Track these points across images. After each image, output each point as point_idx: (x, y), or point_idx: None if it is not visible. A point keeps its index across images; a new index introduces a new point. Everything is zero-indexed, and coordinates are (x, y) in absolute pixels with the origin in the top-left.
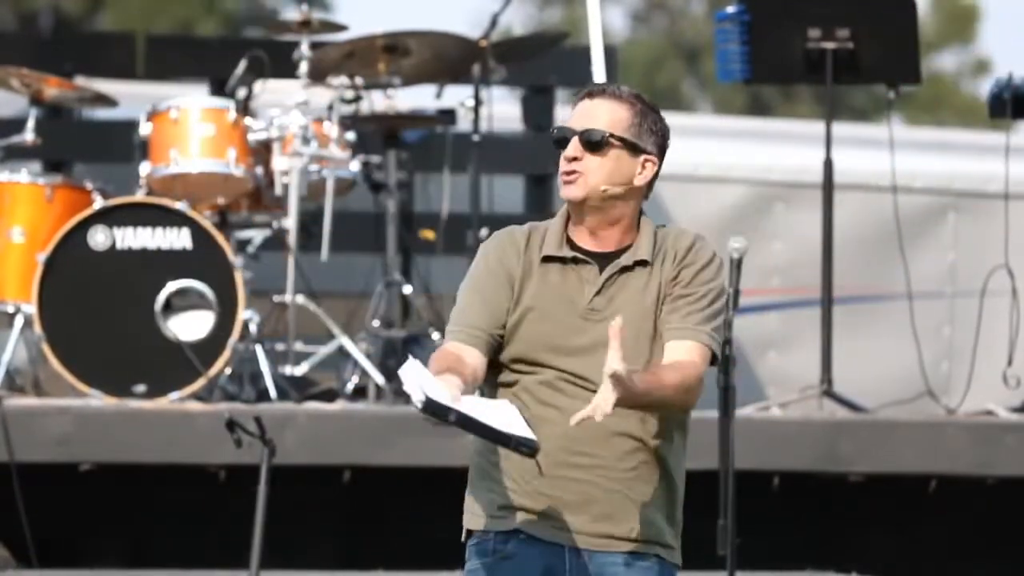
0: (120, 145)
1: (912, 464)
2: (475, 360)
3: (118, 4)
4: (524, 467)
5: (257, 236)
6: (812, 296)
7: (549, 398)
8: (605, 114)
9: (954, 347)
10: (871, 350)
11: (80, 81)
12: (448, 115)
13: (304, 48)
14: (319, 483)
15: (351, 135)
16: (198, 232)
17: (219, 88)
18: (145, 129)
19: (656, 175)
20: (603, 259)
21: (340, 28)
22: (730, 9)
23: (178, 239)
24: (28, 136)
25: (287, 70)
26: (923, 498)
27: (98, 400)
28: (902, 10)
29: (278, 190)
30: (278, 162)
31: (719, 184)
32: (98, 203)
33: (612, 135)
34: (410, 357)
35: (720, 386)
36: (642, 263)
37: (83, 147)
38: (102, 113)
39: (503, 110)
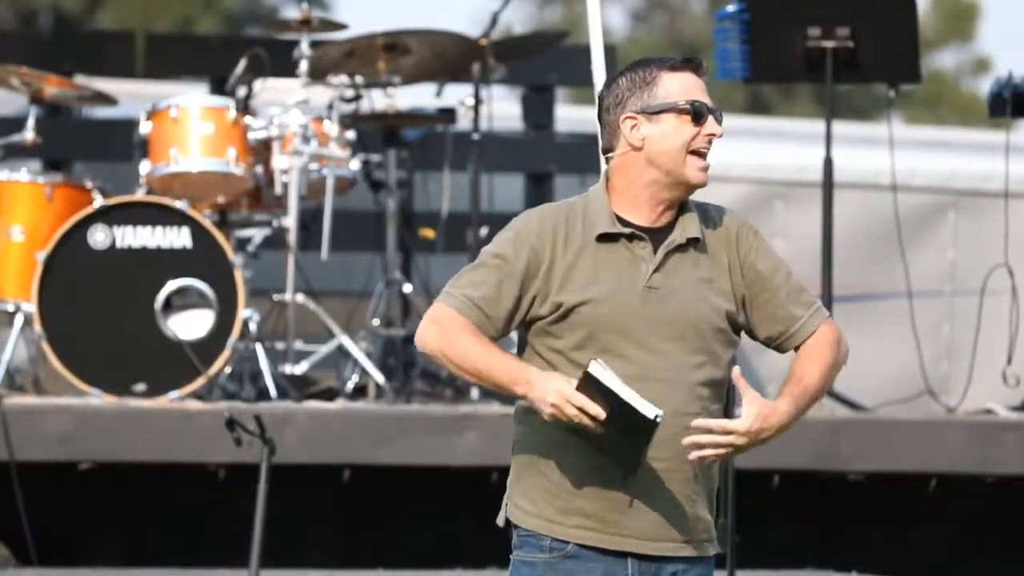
0: (120, 144)
1: (912, 463)
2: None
3: (118, 3)
4: (576, 468)
5: (257, 235)
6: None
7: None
8: (703, 87)
9: (954, 346)
10: (871, 349)
11: (80, 80)
12: (448, 114)
13: (304, 47)
14: (319, 482)
15: (351, 134)
16: (198, 231)
17: (219, 87)
18: (145, 128)
19: None
20: (654, 235)
21: (340, 27)
22: (730, 8)
23: (178, 238)
24: (28, 135)
25: (287, 69)
26: (923, 497)
27: (98, 399)
28: (902, 9)
29: (278, 189)
30: (278, 161)
31: (719, 183)
32: (98, 202)
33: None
34: (593, 363)
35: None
36: (694, 242)
37: (83, 146)
38: (102, 112)
39: (503, 109)
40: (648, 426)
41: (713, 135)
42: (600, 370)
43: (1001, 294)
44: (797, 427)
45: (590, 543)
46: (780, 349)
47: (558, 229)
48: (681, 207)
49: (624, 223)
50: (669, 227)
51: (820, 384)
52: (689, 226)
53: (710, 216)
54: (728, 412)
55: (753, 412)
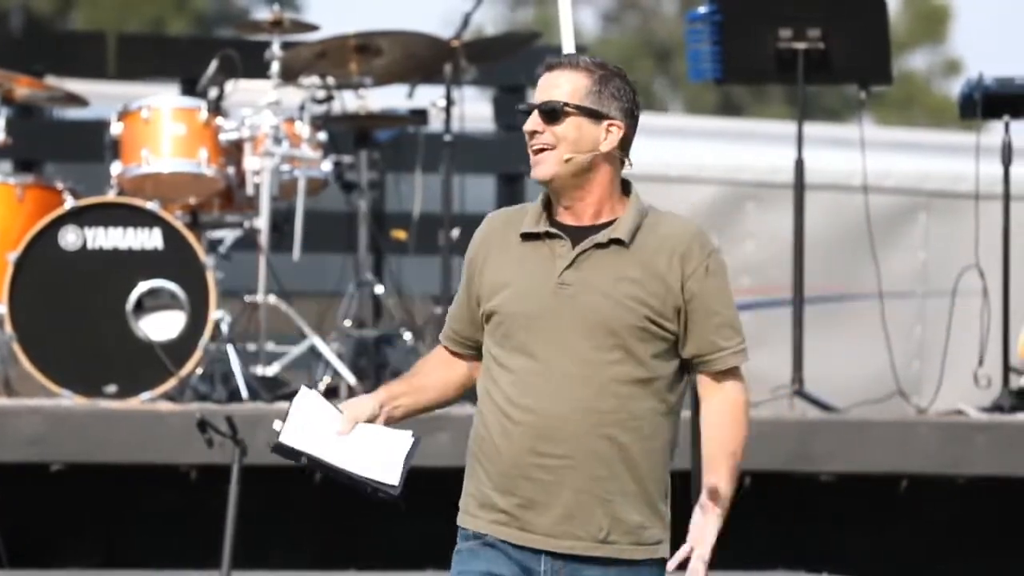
0: (91, 145)
1: (883, 464)
2: (445, 368)
3: (89, 3)
4: (499, 462)
5: (229, 236)
6: (783, 296)
7: (519, 395)
8: (564, 84)
9: (925, 347)
10: (842, 350)
11: (51, 81)
12: (420, 115)
13: (275, 48)
14: (290, 483)
15: (323, 135)
16: (169, 232)
17: (190, 88)
18: (116, 129)
19: (627, 139)
20: (578, 233)
21: (312, 28)
22: (702, 9)
23: (149, 239)
24: None
25: (259, 70)
26: (894, 498)
27: (69, 400)
28: (873, 10)
29: (250, 190)
30: (250, 162)
31: (690, 184)
32: (69, 203)
33: (568, 104)
34: (304, 388)
35: (692, 386)
36: (617, 241)
37: (54, 147)
38: (73, 113)
39: (474, 110)
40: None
41: (528, 132)
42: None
43: (972, 295)
44: (770, 428)
45: (503, 537)
46: (695, 370)
47: (496, 232)
48: (629, 209)
49: (554, 223)
50: (602, 227)
51: (741, 454)
52: (620, 227)
53: (662, 223)
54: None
55: (686, 553)
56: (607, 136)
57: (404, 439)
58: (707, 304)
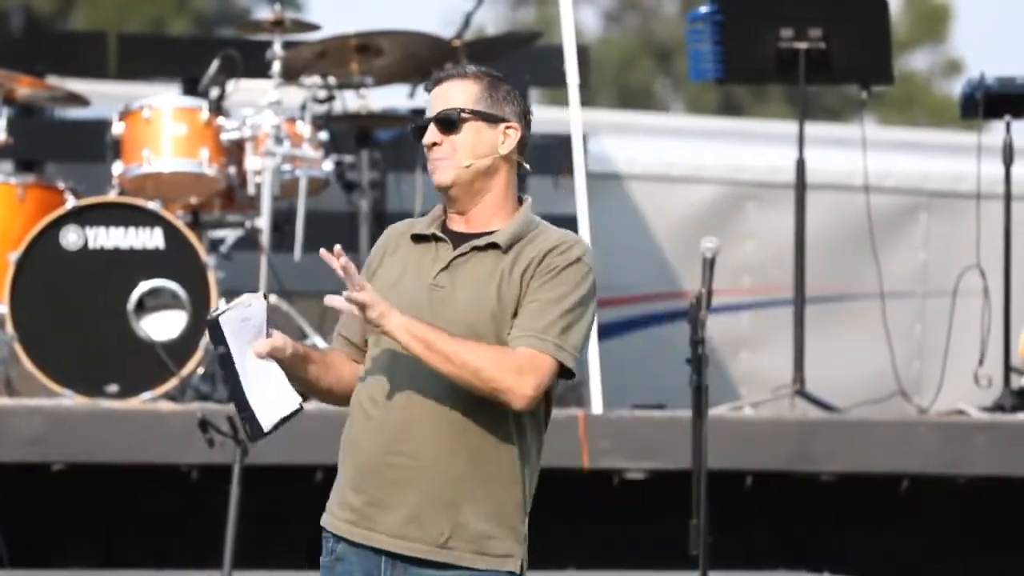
0: (92, 145)
1: (884, 464)
2: (347, 364)
3: (90, 3)
4: (356, 459)
5: (230, 236)
6: (784, 296)
7: (379, 392)
8: (456, 93)
9: (926, 347)
10: (843, 350)
11: (52, 80)
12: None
13: (276, 48)
14: (291, 483)
15: (324, 135)
16: (170, 232)
17: (191, 88)
18: (117, 129)
19: (523, 142)
20: (464, 238)
21: (312, 28)
22: (703, 9)
23: (150, 239)
24: (0, 136)
25: (260, 70)
26: (895, 497)
27: (70, 400)
28: (874, 10)
29: (251, 190)
30: (251, 162)
31: (691, 184)
32: (70, 203)
33: (463, 110)
34: (261, 296)
35: (693, 386)
36: (494, 246)
37: (55, 147)
38: (74, 112)
39: None
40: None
41: (427, 146)
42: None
43: (973, 295)
44: (771, 428)
45: (348, 536)
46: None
47: (393, 237)
48: (516, 217)
49: (446, 228)
50: (486, 233)
51: (469, 359)
52: (501, 233)
53: (542, 235)
54: (700, 412)
55: (376, 295)
56: (505, 139)
57: (293, 400)
58: (534, 295)
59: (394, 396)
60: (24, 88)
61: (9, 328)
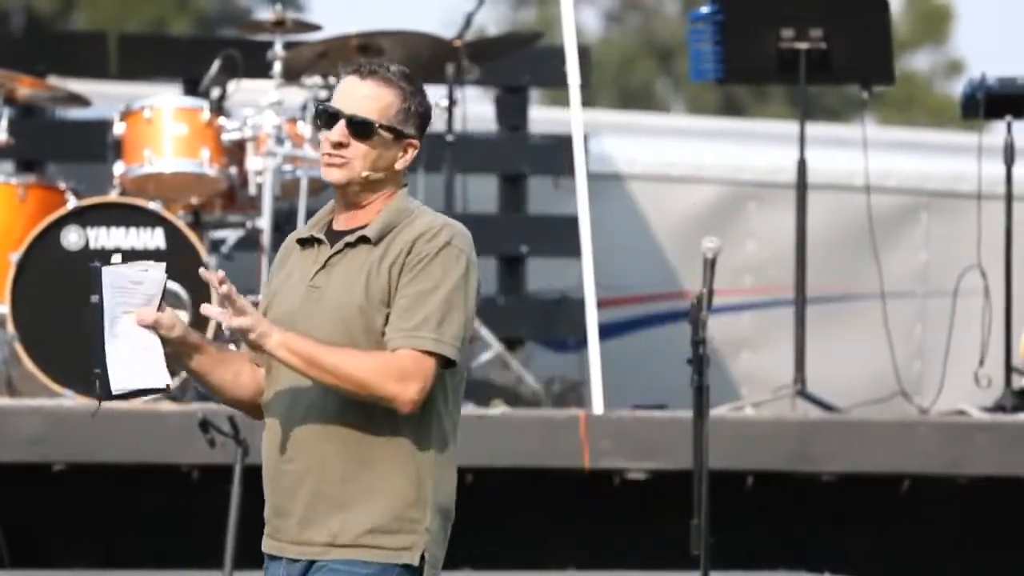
0: (93, 145)
1: (884, 464)
2: (249, 367)
3: (90, 3)
4: (264, 471)
5: (231, 236)
6: (785, 296)
7: (270, 399)
8: (375, 99)
9: (926, 347)
10: (844, 350)
11: (53, 81)
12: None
13: (278, 48)
14: None
15: None
16: (171, 232)
17: (192, 88)
18: (118, 129)
19: (417, 154)
20: (342, 237)
21: (314, 28)
22: (704, 9)
23: (152, 239)
24: (1, 136)
25: (261, 70)
26: (895, 498)
27: (71, 400)
28: (875, 10)
29: (252, 190)
30: (252, 162)
31: (692, 184)
32: (71, 203)
33: (382, 125)
34: (163, 268)
35: (694, 386)
36: (364, 240)
37: (56, 147)
38: (75, 113)
39: (477, 110)
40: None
41: (332, 142)
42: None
43: (973, 295)
44: (771, 428)
45: (267, 550)
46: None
47: (288, 245)
48: (385, 210)
49: (330, 229)
50: (360, 228)
51: (351, 372)
52: (371, 227)
53: (416, 222)
54: (701, 412)
55: (257, 317)
56: (404, 155)
57: (161, 378)
58: (404, 290)
59: (282, 402)
60: (25, 88)
61: (10, 328)
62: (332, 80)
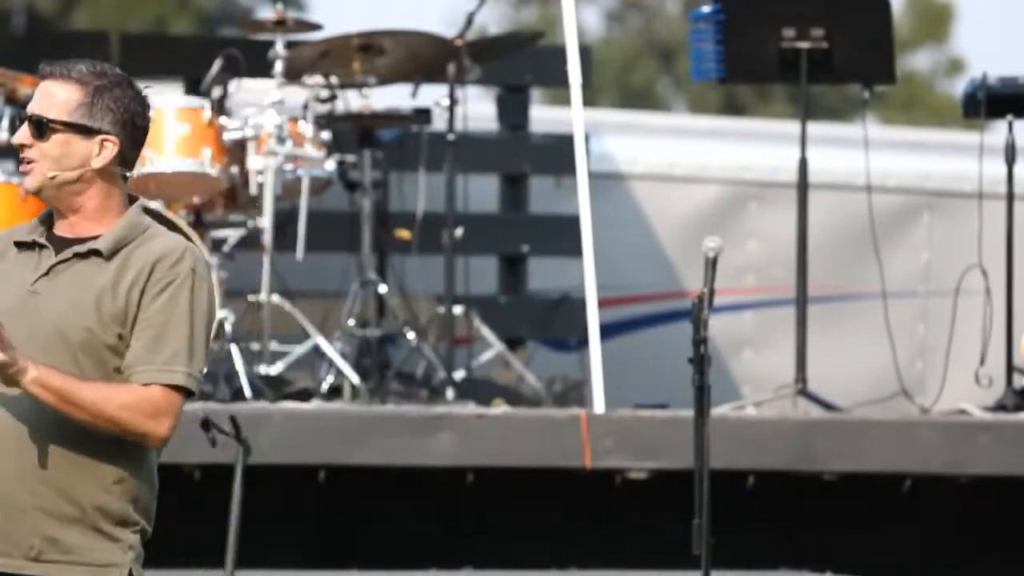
0: None
1: (886, 463)
2: None
3: (92, 3)
4: None
5: (232, 235)
6: (786, 295)
7: None
8: (52, 97)
9: (928, 346)
10: (845, 349)
11: None
12: (423, 114)
13: (279, 47)
14: (294, 483)
15: (326, 134)
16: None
17: (194, 87)
18: None
19: (125, 153)
20: (68, 244)
21: (315, 27)
22: (705, 9)
23: None
24: (1, 136)
25: (262, 69)
26: (897, 497)
27: None
28: (877, 10)
29: (253, 189)
30: (253, 161)
31: (694, 183)
32: None
33: (52, 121)
34: None
35: (695, 385)
36: (96, 252)
37: None
38: None
39: (478, 109)
40: None
41: (17, 144)
42: None
43: (975, 295)
44: (773, 428)
45: None
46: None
47: (3, 243)
48: (121, 221)
49: (51, 234)
50: (90, 238)
51: (104, 409)
52: (103, 239)
53: (155, 240)
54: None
55: (15, 353)
56: (100, 151)
57: None
58: (149, 319)
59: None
60: (26, 88)
61: None
62: (334, 79)
